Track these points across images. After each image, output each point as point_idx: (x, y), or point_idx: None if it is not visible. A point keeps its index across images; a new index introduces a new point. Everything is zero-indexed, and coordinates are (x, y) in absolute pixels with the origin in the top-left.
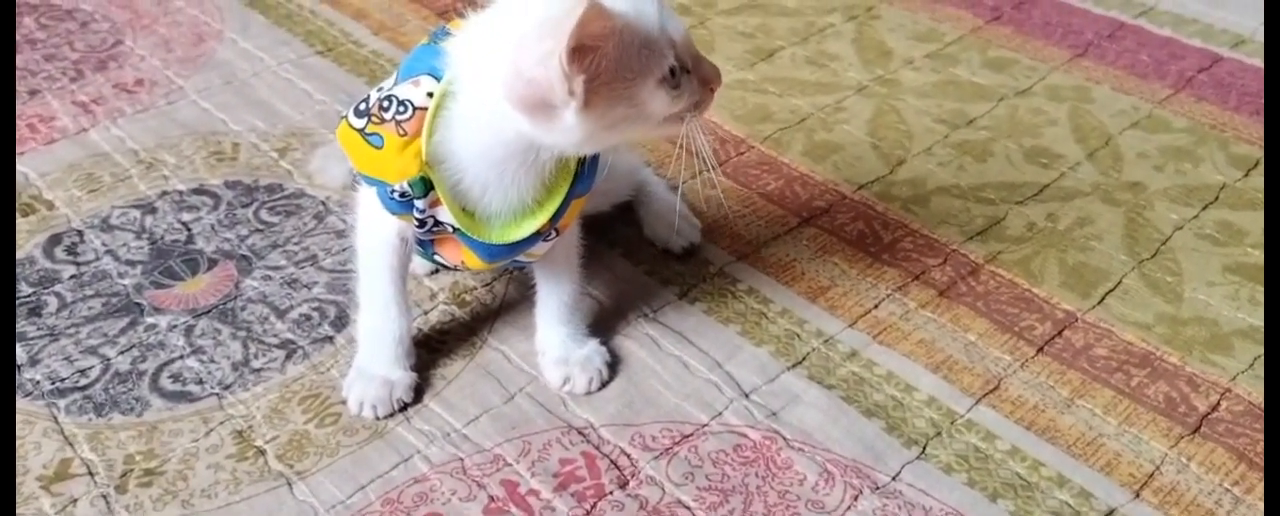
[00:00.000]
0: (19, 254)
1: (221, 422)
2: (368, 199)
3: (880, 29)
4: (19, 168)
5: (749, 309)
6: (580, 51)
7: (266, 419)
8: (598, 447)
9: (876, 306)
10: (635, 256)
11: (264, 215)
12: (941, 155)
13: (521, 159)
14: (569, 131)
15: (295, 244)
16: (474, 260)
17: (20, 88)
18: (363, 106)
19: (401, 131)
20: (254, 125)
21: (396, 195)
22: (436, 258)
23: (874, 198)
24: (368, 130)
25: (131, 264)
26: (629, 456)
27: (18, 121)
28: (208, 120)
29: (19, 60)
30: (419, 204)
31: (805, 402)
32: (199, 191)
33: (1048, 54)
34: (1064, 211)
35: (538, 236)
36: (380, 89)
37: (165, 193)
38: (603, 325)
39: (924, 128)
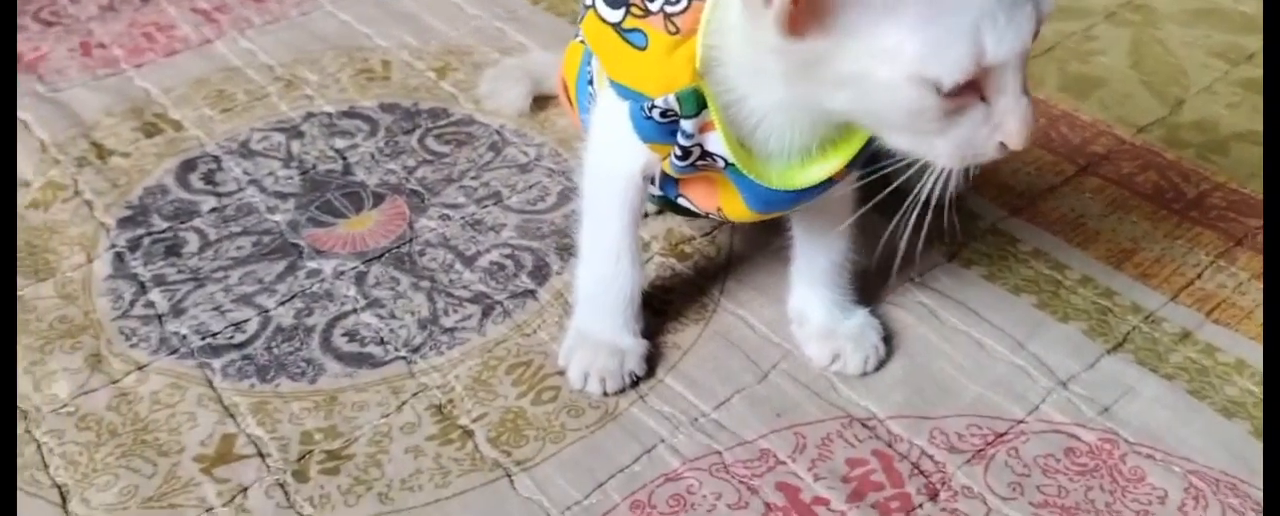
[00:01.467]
0: (148, 181)
1: (415, 394)
2: (608, 120)
3: None
4: (137, 81)
5: (1040, 275)
6: None
7: (469, 391)
8: (891, 446)
9: (1199, 276)
10: (883, 207)
11: (431, 144)
12: (1227, 95)
13: (784, 94)
14: (769, 55)
15: (473, 178)
16: (739, 208)
17: None
18: None
19: (671, 27)
20: (404, 41)
21: (656, 113)
22: (681, 200)
23: (1159, 143)
24: (626, 25)
25: (281, 197)
26: (932, 459)
27: (132, 29)
28: (349, 34)
29: None
30: (686, 126)
31: (1143, 396)
32: (350, 114)
33: None
34: None
35: (831, 181)
36: None
37: (311, 114)
38: (866, 291)
39: (1198, 62)
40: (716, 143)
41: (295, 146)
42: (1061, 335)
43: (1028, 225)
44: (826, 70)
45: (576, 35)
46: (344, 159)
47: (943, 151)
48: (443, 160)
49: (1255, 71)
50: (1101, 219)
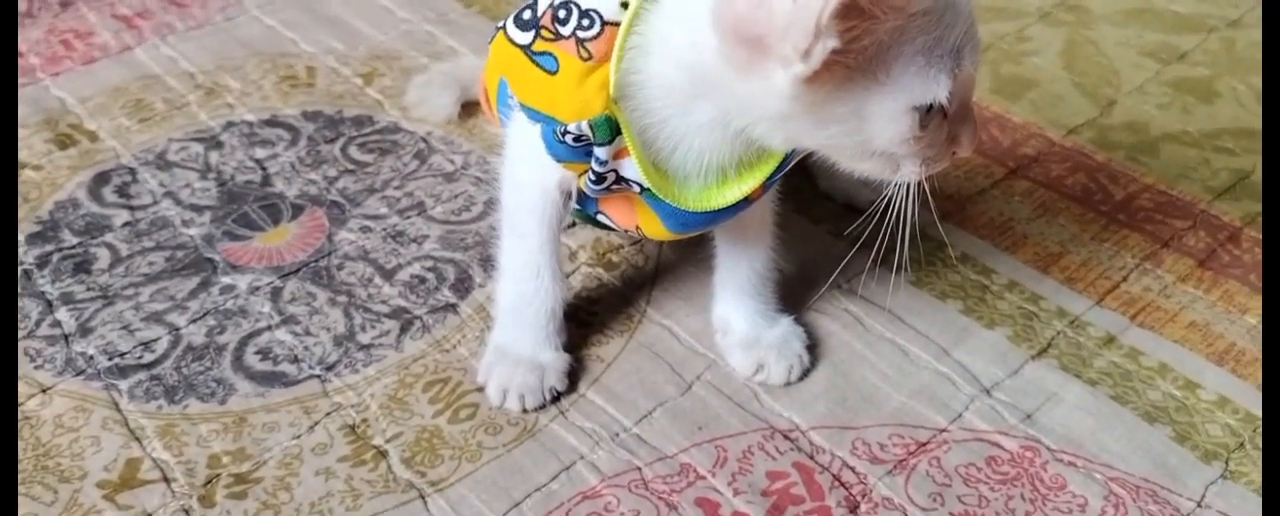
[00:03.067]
0: (59, 195)
1: (328, 414)
2: (522, 138)
3: None
4: (53, 91)
5: (967, 281)
6: (857, 10)
7: (384, 410)
8: (812, 457)
9: (1125, 279)
10: (813, 212)
11: (354, 153)
12: (1158, 95)
13: (712, 116)
14: (770, 98)
15: (396, 188)
16: (656, 228)
17: None
18: (527, 14)
19: (584, 53)
20: (330, 46)
21: (569, 138)
22: (599, 217)
23: (1089, 145)
24: (536, 48)
25: (197, 209)
26: (853, 470)
27: (50, 36)
28: (275, 39)
29: None
30: (600, 153)
31: (1066, 402)
32: (272, 123)
33: None
34: None
35: (746, 201)
36: None
37: (231, 123)
38: (790, 298)
39: (1130, 62)
40: (631, 169)
41: (214, 157)
42: (987, 341)
43: (957, 229)
44: (825, 110)
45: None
46: (263, 169)
47: (908, 171)
48: (365, 169)
49: (1187, 71)
50: (1030, 222)
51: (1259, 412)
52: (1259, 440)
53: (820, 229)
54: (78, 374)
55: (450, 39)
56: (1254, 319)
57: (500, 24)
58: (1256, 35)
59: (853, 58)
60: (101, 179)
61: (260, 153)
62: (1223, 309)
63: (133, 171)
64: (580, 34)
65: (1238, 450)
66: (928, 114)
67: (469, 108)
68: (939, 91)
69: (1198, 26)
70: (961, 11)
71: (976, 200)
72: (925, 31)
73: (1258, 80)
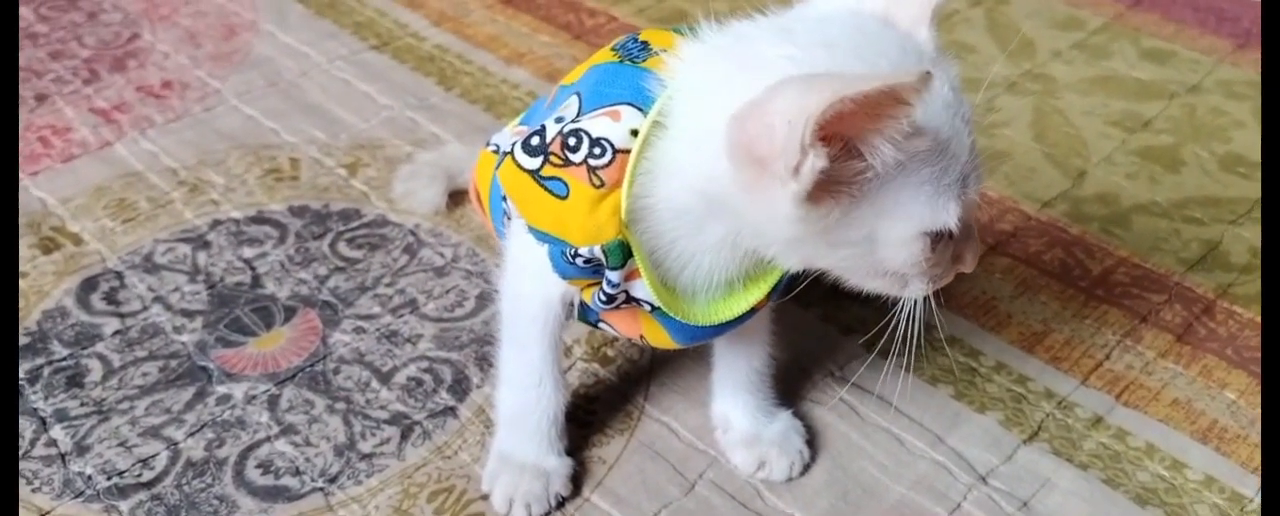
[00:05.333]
0: (47, 304)
1: None
2: (524, 252)
3: (1013, 14)
4: (33, 192)
5: (956, 363)
6: (837, 139)
7: None
8: None
9: (1108, 357)
10: (801, 296)
11: (343, 249)
12: (1126, 165)
13: (722, 236)
14: (780, 221)
15: (387, 286)
16: (662, 338)
17: (24, 92)
18: (536, 141)
19: (596, 180)
20: (312, 136)
21: (579, 260)
22: (601, 326)
23: (1064, 218)
24: (544, 173)
25: (188, 315)
26: None
27: (26, 133)
28: (255, 130)
29: (20, 59)
30: (613, 277)
31: (1059, 488)
32: (259, 219)
33: (1207, 44)
34: None
35: (752, 312)
36: (557, 117)
37: (218, 222)
38: (784, 387)
39: (1097, 131)
40: (642, 289)
41: (202, 258)
42: (979, 427)
43: (942, 310)
44: (835, 234)
45: (487, 143)
46: (253, 269)
47: (915, 288)
48: (355, 267)
49: (1152, 139)
50: (1012, 301)
51: (1244, 491)
52: None
53: (811, 314)
54: (77, 496)
55: (433, 125)
56: (1233, 394)
57: (490, 139)
58: (1215, 100)
59: (856, 187)
60: (89, 285)
61: (248, 252)
62: (1203, 384)
63: (120, 276)
64: (592, 162)
65: None
66: (937, 237)
67: (455, 197)
68: (949, 219)
69: (1159, 93)
70: (965, 143)
71: (960, 280)
72: (930, 163)
73: (1219, 147)
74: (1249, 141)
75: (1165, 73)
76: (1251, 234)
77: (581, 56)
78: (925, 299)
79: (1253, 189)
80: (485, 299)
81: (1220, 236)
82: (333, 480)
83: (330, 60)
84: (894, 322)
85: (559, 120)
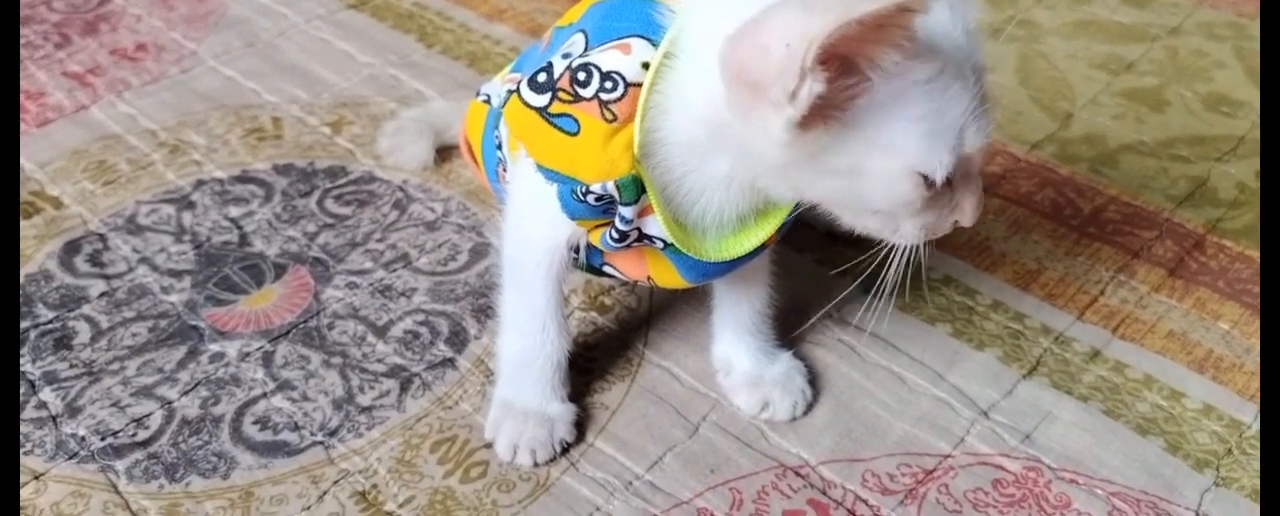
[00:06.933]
0: (30, 268)
1: (336, 481)
2: (528, 195)
3: None
4: None
5: (953, 303)
6: (842, 59)
7: (393, 474)
8: (825, 492)
9: (1102, 293)
10: (795, 240)
11: (331, 206)
12: (1111, 106)
13: (727, 171)
14: (770, 145)
15: (378, 241)
16: (671, 277)
17: None
18: (543, 78)
19: (608, 115)
20: (294, 95)
21: (590, 198)
22: (606, 268)
23: (1053, 159)
24: (553, 110)
25: (176, 275)
26: (866, 503)
27: None
28: (235, 91)
29: None
30: (626, 212)
31: (1061, 420)
32: (243, 178)
33: None
34: None
35: (762, 247)
36: (563, 53)
37: (201, 182)
38: (783, 330)
39: (1081, 75)
40: (655, 226)
41: (187, 218)
42: (978, 363)
43: (937, 252)
44: (823, 161)
45: (477, 93)
46: (240, 228)
47: (908, 232)
48: (345, 223)
49: (1136, 81)
50: (1006, 240)
51: (1242, 418)
52: (1248, 448)
53: (805, 258)
54: (71, 457)
55: (416, 82)
56: (1227, 325)
57: (511, 87)
58: (1196, 42)
59: (846, 112)
60: (71, 248)
61: (235, 211)
62: (1197, 317)
63: (103, 238)
64: (603, 96)
65: (1226, 456)
66: (929, 183)
67: (443, 153)
68: (939, 162)
69: (1141, 35)
70: (969, 86)
71: None
72: (928, 100)
73: (1202, 87)
74: (1231, 81)
75: (1146, 16)
76: (1238, 170)
77: (562, 12)
78: (916, 247)
79: (1237, 127)
80: (478, 252)
81: (1207, 173)
82: (333, 433)
83: (308, 20)
84: (885, 265)
85: (566, 56)
